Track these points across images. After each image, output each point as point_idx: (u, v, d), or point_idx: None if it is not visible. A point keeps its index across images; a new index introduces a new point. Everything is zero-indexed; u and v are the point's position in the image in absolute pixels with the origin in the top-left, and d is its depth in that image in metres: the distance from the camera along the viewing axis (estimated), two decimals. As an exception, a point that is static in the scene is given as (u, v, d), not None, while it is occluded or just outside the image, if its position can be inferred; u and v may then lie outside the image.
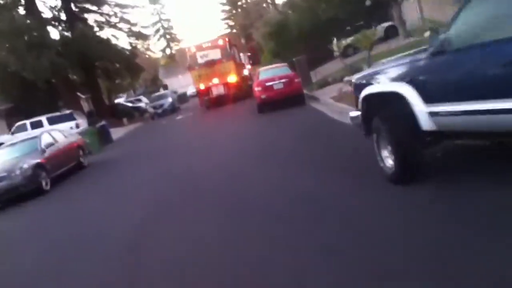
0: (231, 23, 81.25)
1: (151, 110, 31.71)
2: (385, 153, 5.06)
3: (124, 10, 34.96)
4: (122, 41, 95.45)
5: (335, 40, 27.13)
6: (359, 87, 5.31)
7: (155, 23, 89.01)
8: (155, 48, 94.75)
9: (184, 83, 71.31)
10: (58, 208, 9.51)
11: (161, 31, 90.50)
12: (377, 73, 5.07)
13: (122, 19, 34.96)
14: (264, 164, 8.08)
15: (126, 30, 35.02)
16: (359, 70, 17.29)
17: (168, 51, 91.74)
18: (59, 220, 8.28)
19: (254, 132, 12.48)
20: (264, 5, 69.34)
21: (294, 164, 7.47)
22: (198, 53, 24.28)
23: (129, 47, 37.71)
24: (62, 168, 12.44)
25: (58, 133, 13.68)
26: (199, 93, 25.43)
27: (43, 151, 11.89)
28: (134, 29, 35.47)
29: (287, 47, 31.71)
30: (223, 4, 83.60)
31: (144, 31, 37.43)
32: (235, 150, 10.52)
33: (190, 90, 59.41)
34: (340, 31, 27.59)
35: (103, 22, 34.57)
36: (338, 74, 18.38)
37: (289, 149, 9.00)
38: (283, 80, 14.77)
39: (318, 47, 28.78)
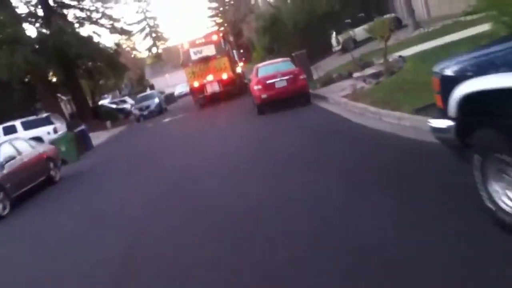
0: (219, 20, 79.26)
1: (136, 112, 29.51)
2: (499, 187, 3.15)
3: (106, 5, 32.69)
4: (107, 40, 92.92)
5: (334, 34, 25.40)
6: (450, 81, 3.36)
7: (140, 21, 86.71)
8: (141, 47, 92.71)
9: (171, 83, 69.34)
10: (15, 240, 7.50)
11: (147, 30, 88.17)
12: (485, 58, 3.12)
13: (104, 15, 32.70)
14: (279, 187, 6.12)
15: (109, 26, 32.75)
16: (369, 64, 15.47)
17: (154, 50, 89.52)
18: (14, 256, 6.31)
19: (256, 140, 10.40)
20: (253, 1, 67.57)
21: (320, 183, 5.56)
22: (191, 49, 22.83)
23: (113, 46, 35.58)
24: (27, 185, 10.36)
25: (23, 143, 11.55)
26: (193, 91, 23.81)
27: (2, 166, 9.78)
28: (117, 25, 33.22)
29: (282, 42, 29.90)
30: (210, 1, 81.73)
31: (127, 27, 35.06)
32: (233, 163, 8.51)
33: (178, 90, 57.22)
34: (337, 24, 25.88)
35: (83, 18, 32.29)
36: (344, 70, 16.53)
37: (305, 161, 7.08)
38: (286, 77, 12.82)
39: (315, 42, 27.08)
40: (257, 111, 13.63)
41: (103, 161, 14.72)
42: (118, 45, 37.86)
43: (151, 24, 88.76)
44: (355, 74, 14.30)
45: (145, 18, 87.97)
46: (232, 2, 76.23)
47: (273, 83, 12.84)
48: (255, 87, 13.07)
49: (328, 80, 15.77)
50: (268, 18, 30.23)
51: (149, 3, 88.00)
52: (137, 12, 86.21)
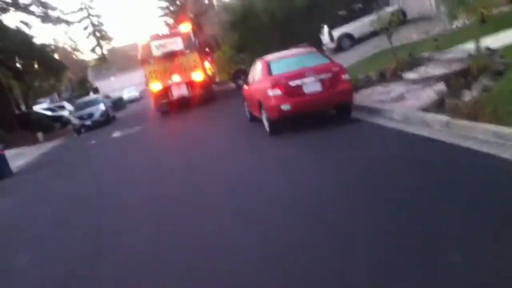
0: (170, 20, 73.38)
1: (75, 121, 23.54)
2: None
3: (38, -11, 26.40)
4: (43, 36, 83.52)
5: (325, 28, 20.90)
6: None
7: (83, 19, 79.22)
8: (84, 48, 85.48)
9: (117, 86, 63.16)
10: None
11: (90, 28, 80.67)
12: None
13: (35, 1, 26.38)
14: None
15: (41, 14, 26.41)
16: (421, 61, 10.97)
17: (98, 51, 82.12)
18: None
19: (278, 195, 5.38)
20: (206, 1, 62.43)
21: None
22: (153, 42, 17.91)
23: (49, 42, 29.37)
24: None
25: None
26: (154, 95, 18.50)
27: None
28: (52, 13, 26.94)
29: (256, 38, 25.09)
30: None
31: (65, 17, 28.75)
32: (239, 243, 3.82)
33: (127, 94, 50.99)
34: (326, 18, 21.54)
35: (7, 4, 25.82)
36: (371, 69, 11.92)
37: None
38: (321, 76, 7.93)
39: (297, 38, 22.55)
40: (269, 130, 8.62)
41: (16, 206, 9.15)
42: (55, 40, 31.66)
43: (95, 22, 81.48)
44: (408, 75, 9.68)
45: (88, 16, 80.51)
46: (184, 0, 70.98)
47: (300, 86, 7.88)
48: (270, 92, 8.04)
49: (356, 84, 11.08)
50: (240, 10, 25.29)
51: (92, 0, 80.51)
52: (79, 9, 78.73)
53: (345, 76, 8.11)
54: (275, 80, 8.05)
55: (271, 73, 8.37)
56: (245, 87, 10.97)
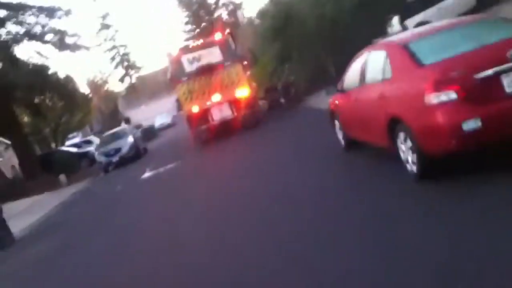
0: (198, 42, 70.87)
1: (101, 158, 20.26)
2: None
3: (53, 14, 23.53)
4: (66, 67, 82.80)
5: (395, 19, 16.86)
6: None
7: (110, 50, 78.37)
8: (113, 79, 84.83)
9: (148, 115, 60.80)
10: None
11: (118, 58, 79.60)
12: None
13: (49, 28, 23.46)
14: None
15: (56, 42, 23.43)
16: None
17: (127, 80, 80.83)
18: None
19: None
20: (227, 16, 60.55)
21: None
22: (185, 56, 14.64)
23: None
24: None
25: None
26: (190, 120, 15.17)
27: None
28: (69, 40, 23.92)
29: (303, 46, 21.34)
30: (186, 23, 74.40)
31: (82, 42, 25.56)
32: None
33: (158, 122, 48.04)
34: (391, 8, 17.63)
35: (20, 34, 23.00)
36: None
37: None
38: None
39: (353, 39, 18.68)
40: (418, 170, 4.55)
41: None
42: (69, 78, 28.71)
43: (122, 52, 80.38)
44: None
45: (115, 46, 79.57)
46: (207, 19, 69.02)
47: (497, 79, 3.87)
48: (432, 98, 3.96)
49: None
50: (280, 16, 21.62)
51: (117, 30, 79.78)
52: (105, 39, 77.92)
53: None
54: (441, 72, 4.01)
55: (421, 61, 4.35)
56: (335, 99, 7.04)
